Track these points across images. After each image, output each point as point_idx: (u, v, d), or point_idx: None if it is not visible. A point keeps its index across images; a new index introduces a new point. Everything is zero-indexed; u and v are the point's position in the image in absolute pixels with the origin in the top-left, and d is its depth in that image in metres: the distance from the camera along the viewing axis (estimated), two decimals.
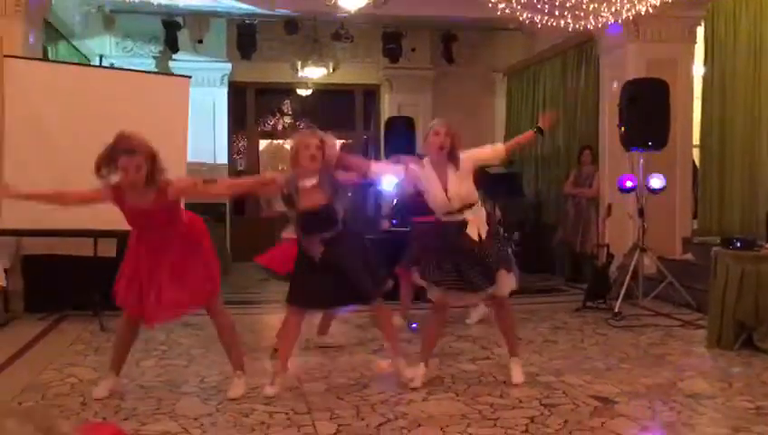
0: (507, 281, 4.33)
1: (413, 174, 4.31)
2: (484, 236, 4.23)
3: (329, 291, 4.22)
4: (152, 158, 3.86)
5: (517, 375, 4.45)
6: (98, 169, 3.84)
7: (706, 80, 8.24)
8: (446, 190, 4.23)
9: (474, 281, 4.23)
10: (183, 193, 4.14)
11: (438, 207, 4.29)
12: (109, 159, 3.83)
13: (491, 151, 4.44)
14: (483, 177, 9.37)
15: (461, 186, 4.24)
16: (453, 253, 4.25)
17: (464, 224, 4.24)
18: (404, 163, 4.37)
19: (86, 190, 4.09)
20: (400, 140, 10.14)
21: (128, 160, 3.78)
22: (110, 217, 6.14)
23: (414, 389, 4.30)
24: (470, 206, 4.26)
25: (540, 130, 4.59)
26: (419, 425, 3.70)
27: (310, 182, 4.11)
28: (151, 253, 4.02)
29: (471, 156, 4.31)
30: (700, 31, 8.17)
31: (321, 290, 4.21)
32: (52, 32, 8.37)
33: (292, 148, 4.25)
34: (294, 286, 4.32)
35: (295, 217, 4.23)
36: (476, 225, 4.24)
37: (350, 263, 4.19)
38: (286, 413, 3.89)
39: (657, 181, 7.15)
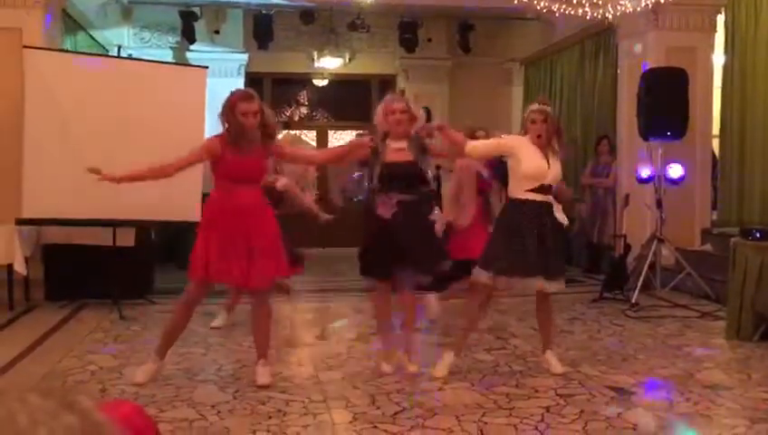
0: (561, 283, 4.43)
1: (508, 144, 4.40)
2: (565, 223, 4.36)
3: (389, 261, 4.23)
4: (263, 110, 4.13)
5: (556, 365, 4.44)
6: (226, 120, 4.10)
7: (727, 69, 8.14)
8: (547, 162, 4.28)
9: (540, 266, 4.22)
10: (285, 147, 4.35)
11: (534, 175, 4.26)
12: (229, 109, 4.07)
13: None
14: (499, 165, 9.32)
15: (556, 167, 4.31)
16: (529, 232, 4.22)
17: (551, 205, 4.29)
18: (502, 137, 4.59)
19: (185, 155, 4.18)
20: None
21: (247, 106, 4.03)
22: (129, 207, 6.22)
23: (436, 378, 4.32)
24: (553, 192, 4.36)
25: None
26: (435, 414, 3.71)
27: (399, 144, 4.21)
28: (242, 224, 4.07)
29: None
30: (720, 19, 8.07)
31: (381, 260, 4.24)
32: (71, 22, 8.44)
33: (378, 112, 4.38)
34: (364, 257, 4.37)
35: (378, 172, 4.21)
36: (559, 210, 4.32)
37: (418, 232, 4.20)
38: (302, 401, 3.91)
39: (675, 171, 7.08)
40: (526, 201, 4.27)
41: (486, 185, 5.58)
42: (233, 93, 4.20)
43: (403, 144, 4.22)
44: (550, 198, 4.31)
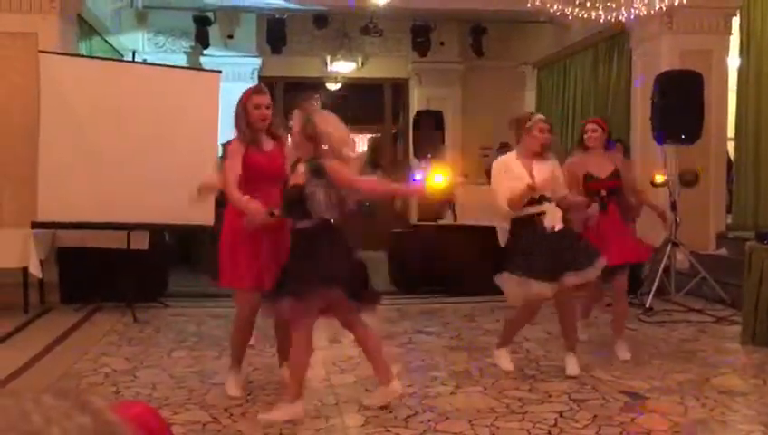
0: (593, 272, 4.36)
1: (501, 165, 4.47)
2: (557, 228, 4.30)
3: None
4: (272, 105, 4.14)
5: (572, 367, 4.43)
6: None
7: (742, 72, 8.08)
8: (531, 177, 4.31)
9: (573, 260, 4.23)
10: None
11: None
12: (242, 104, 4.07)
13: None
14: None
15: (542, 175, 4.32)
16: (542, 239, 4.27)
17: (542, 213, 4.29)
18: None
19: (229, 174, 4.01)
20: (429, 133, 10.15)
21: (259, 98, 4.07)
22: (144, 211, 6.26)
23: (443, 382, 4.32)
24: (549, 200, 4.35)
25: None
26: (447, 418, 3.70)
27: (302, 167, 3.78)
28: (271, 235, 3.96)
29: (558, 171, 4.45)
30: (735, 22, 8.02)
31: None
32: (86, 27, 8.50)
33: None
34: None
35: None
36: (552, 217, 4.30)
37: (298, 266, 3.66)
38: (314, 404, 3.91)
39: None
40: (524, 216, 4.37)
41: (599, 184, 4.92)
42: (245, 90, 4.23)
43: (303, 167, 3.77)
44: (543, 208, 4.32)
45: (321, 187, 3.64)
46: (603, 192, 4.86)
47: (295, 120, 3.81)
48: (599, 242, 4.56)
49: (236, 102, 4.19)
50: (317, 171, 3.66)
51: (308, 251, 3.66)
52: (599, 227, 4.78)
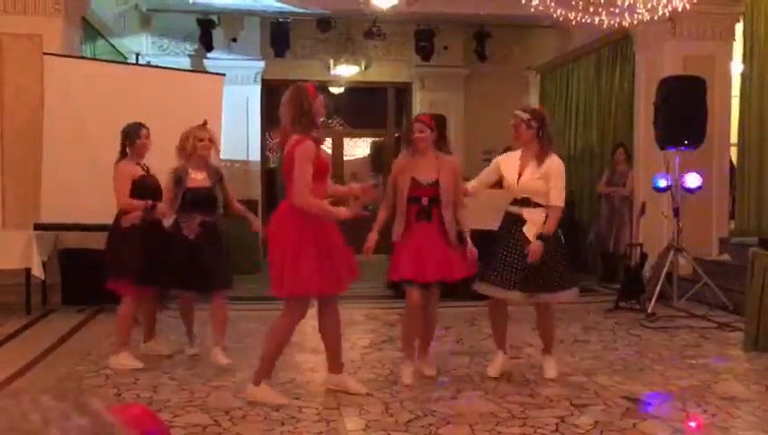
0: (565, 296, 4.47)
1: (495, 164, 4.56)
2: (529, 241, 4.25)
3: (185, 273, 4.70)
4: None
5: (550, 370, 4.47)
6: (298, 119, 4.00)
7: (745, 77, 8.08)
8: (519, 176, 4.34)
9: (517, 280, 4.28)
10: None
11: (507, 188, 4.41)
12: (309, 101, 4.03)
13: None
14: None
15: (525, 178, 4.32)
16: (506, 245, 4.32)
17: (521, 220, 4.31)
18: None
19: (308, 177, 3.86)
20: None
21: (323, 99, 4.17)
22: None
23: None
24: (534, 205, 4.31)
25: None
26: (448, 423, 3.70)
27: (201, 173, 4.80)
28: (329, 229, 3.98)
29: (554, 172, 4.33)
30: (739, 28, 8.02)
31: (178, 271, 4.70)
32: (90, 30, 8.53)
33: (185, 139, 4.82)
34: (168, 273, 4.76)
35: (180, 198, 4.73)
36: (533, 227, 4.28)
37: (215, 249, 4.79)
38: (316, 408, 3.91)
39: (693, 180, 7.03)
40: (505, 213, 4.45)
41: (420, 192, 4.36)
42: (303, 86, 4.07)
43: (204, 173, 4.82)
44: (523, 212, 4.33)
45: (218, 188, 4.88)
46: (425, 200, 4.31)
47: (201, 133, 4.88)
48: (415, 254, 4.26)
49: (297, 96, 4.02)
50: (218, 175, 4.94)
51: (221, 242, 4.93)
52: (416, 239, 4.29)
